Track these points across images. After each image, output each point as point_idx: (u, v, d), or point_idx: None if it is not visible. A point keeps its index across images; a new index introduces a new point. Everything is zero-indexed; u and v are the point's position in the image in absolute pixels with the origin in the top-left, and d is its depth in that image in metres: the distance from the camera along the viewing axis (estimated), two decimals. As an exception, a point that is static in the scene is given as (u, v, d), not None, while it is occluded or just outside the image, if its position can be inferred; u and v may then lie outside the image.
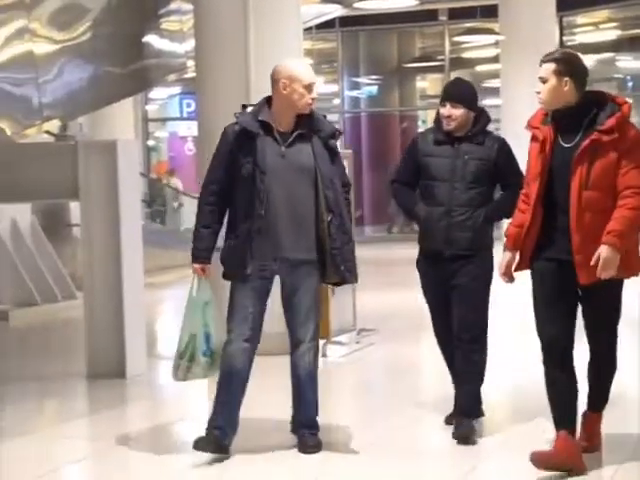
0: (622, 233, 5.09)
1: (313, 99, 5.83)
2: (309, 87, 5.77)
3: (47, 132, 10.09)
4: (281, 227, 5.73)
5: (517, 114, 16.28)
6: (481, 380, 6.39)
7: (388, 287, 13.89)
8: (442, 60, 23.98)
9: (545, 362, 5.42)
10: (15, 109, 8.45)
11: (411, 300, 13.16)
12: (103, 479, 6.41)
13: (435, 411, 7.43)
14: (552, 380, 5.41)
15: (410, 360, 9.62)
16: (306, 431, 6.29)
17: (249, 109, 5.97)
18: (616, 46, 24.62)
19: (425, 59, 25.52)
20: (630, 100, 5.88)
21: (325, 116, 6.18)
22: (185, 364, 5.95)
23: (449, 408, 7.10)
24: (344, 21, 21.80)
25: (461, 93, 6.26)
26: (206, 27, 9.39)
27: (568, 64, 5.16)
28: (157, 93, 21.01)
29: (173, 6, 10.41)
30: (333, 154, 6.01)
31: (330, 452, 6.52)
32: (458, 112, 6.17)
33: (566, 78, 5.10)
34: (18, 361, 9.92)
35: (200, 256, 5.86)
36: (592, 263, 5.10)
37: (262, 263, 5.76)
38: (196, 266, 5.88)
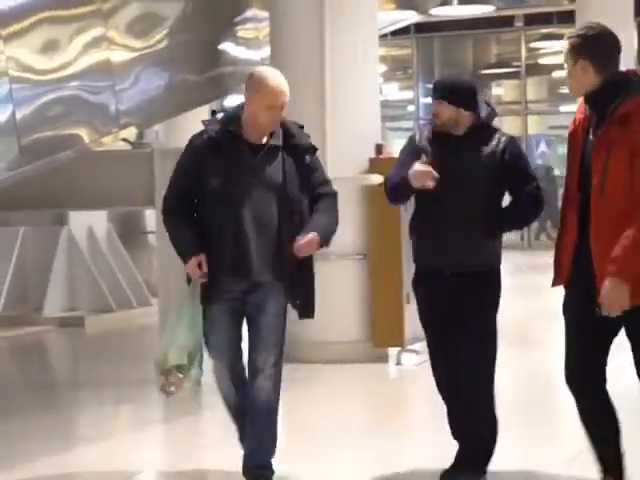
0: (626, 260, 4.19)
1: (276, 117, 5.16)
2: (271, 107, 5.09)
3: (124, 140, 10.19)
4: (249, 248, 5.11)
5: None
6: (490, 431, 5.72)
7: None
8: (518, 66, 23.89)
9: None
10: (92, 117, 8.54)
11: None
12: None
13: (507, 417, 7.40)
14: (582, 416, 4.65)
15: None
16: (260, 473, 5.52)
17: (219, 116, 5.45)
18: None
19: (501, 65, 25.43)
20: None
21: (302, 127, 5.51)
22: (184, 376, 5.39)
23: (519, 414, 7.08)
24: (419, 27, 21.77)
25: (447, 89, 5.29)
26: (282, 34, 9.45)
27: (582, 43, 4.34)
28: (231, 101, 21.09)
29: (249, 14, 10.46)
30: (308, 170, 5.32)
31: (404, 454, 6.60)
32: (441, 109, 5.28)
33: (581, 59, 4.28)
34: (94, 367, 10.04)
35: (188, 252, 5.16)
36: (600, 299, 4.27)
37: (231, 287, 5.21)
38: (191, 264, 5.12)
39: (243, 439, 5.52)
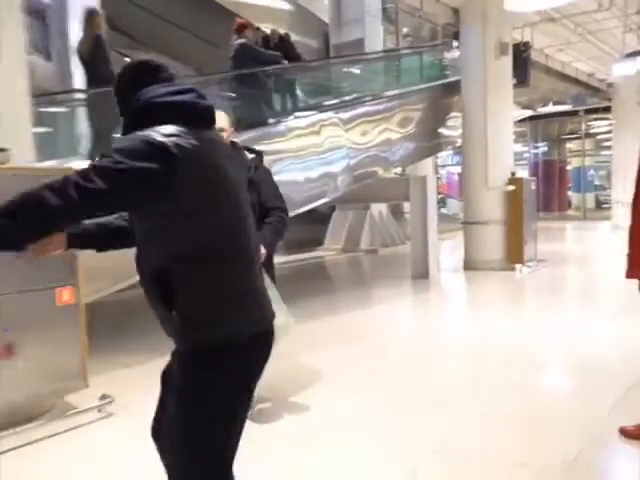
0: None
1: None
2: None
3: (395, 173, 10.30)
4: None
5: (627, 161, 14.88)
6: None
7: (552, 241, 13.08)
8: (580, 133, 22.08)
9: None
10: (382, 163, 8.70)
11: (562, 248, 12.47)
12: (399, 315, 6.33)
13: (578, 295, 6.97)
14: None
15: (564, 274, 9.03)
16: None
17: None
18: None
19: (571, 133, 23.48)
20: None
21: (249, 148, 3.24)
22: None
23: (578, 292, 6.51)
24: (531, 117, 20.59)
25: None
26: (468, 123, 9.19)
27: None
28: (441, 153, 20.81)
29: (452, 114, 10.21)
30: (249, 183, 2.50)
31: (523, 308, 6.22)
32: None
33: None
34: (381, 270, 10.16)
35: None
36: None
37: None
38: None
39: None
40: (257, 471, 2.57)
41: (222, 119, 2.93)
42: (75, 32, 8.60)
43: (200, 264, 1.45)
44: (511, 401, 3.57)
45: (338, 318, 6.11)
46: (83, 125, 5.89)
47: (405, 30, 12.66)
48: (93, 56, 5.43)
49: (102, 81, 5.20)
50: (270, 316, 1.62)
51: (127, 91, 1.57)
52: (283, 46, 8.42)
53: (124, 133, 1.52)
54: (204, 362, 1.49)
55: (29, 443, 3.10)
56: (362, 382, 4.00)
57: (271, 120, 6.98)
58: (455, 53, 10.69)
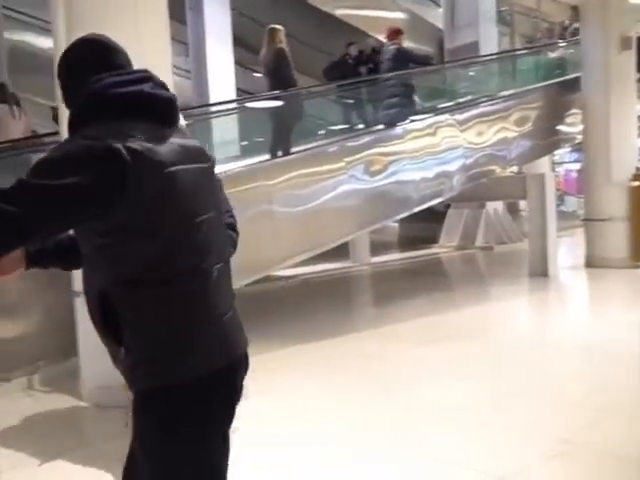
0: None
1: None
2: None
3: (511, 171, 9.74)
4: None
5: None
6: None
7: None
8: None
9: None
10: (498, 162, 8.29)
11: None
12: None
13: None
14: None
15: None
16: None
17: None
18: None
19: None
20: None
21: None
22: None
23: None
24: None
25: None
26: (588, 118, 8.55)
27: None
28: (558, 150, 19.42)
29: (572, 111, 9.51)
30: None
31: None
32: None
33: None
34: (496, 267, 9.71)
35: None
36: None
37: None
38: None
39: None
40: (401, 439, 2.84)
41: None
42: (211, 54, 9.20)
43: (146, 289, 1.14)
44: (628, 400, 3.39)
45: (456, 314, 5.96)
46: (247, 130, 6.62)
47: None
48: (277, 65, 5.91)
49: (286, 85, 5.81)
50: (238, 346, 1.28)
51: (72, 78, 1.24)
52: (374, 57, 8.26)
53: (70, 131, 1.19)
54: (155, 405, 1.17)
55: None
56: (482, 374, 3.97)
57: (411, 118, 7.01)
58: (561, 51, 10.31)
